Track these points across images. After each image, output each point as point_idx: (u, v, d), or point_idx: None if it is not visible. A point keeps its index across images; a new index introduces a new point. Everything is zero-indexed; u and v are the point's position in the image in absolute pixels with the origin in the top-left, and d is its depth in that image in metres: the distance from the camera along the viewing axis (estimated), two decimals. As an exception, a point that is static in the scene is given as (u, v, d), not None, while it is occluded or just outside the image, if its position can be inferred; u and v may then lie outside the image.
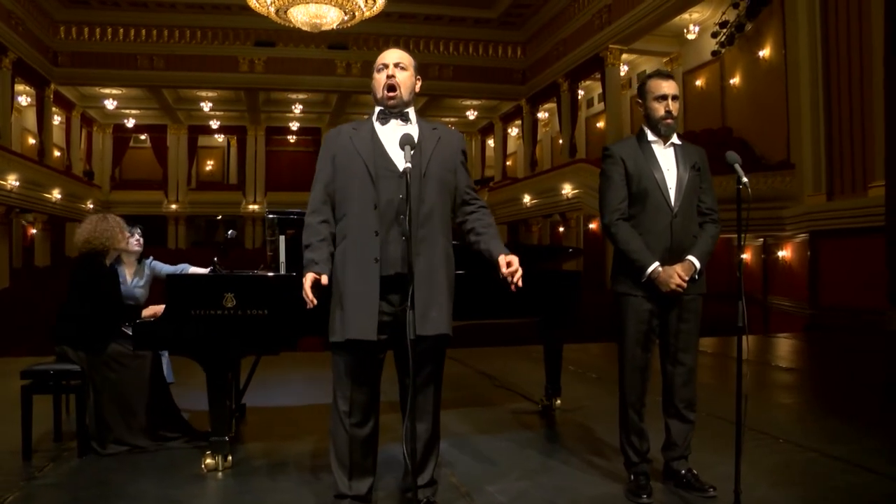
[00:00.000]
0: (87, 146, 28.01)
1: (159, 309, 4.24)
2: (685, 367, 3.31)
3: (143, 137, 29.82)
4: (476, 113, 29.42)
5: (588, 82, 23.08)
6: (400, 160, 2.76)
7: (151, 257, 4.98)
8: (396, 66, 2.87)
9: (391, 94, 2.85)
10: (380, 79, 2.88)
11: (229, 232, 4.59)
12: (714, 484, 3.24)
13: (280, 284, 3.69)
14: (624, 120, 22.10)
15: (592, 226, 23.45)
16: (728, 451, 3.73)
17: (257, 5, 14.92)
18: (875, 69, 11.62)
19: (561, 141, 24.97)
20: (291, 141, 31.64)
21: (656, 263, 3.17)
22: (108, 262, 4.32)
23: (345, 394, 2.84)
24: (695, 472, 3.33)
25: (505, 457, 3.97)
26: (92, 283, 4.12)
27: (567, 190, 21.07)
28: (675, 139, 3.32)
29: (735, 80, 17.00)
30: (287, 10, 15.28)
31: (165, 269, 4.84)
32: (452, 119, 30.93)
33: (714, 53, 17.05)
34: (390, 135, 2.86)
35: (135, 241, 4.73)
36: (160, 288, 4.92)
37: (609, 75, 20.22)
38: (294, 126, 30.53)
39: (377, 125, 2.90)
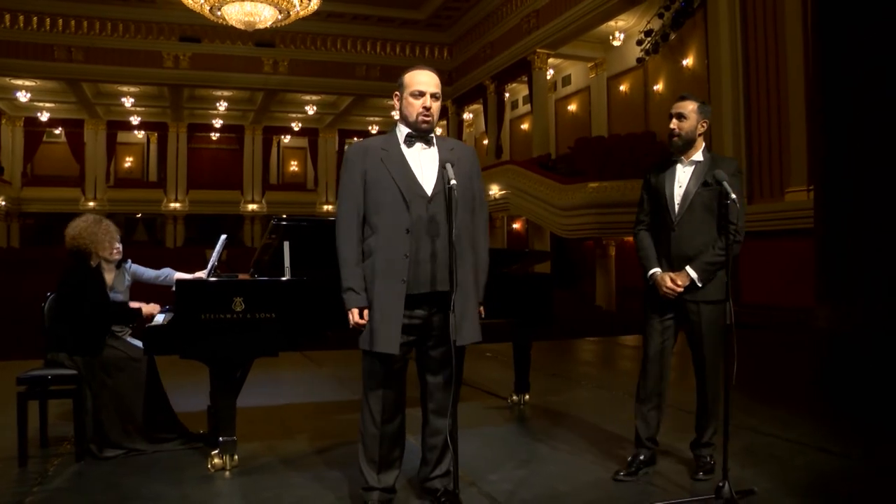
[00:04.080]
0: (-6, 140, 26.80)
1: (154, 308, 4.30)
2: (700, 364, 3.56)
3: (57, 132, 28.70)
4: (401, 113, 29.52)
5: (514, 85, 23.60)
6: (427, 183, 3.00)
7: (130, 260, 4.88)
8: (433, 97, 3.05)
9: (427, 121, 3.04)
10: (415, 104, 3.03)
11: (225, 236, 4.64)
12: (697, 470, 3.59)
13: (287, 288, 3.84)
14: (549, 122, 22.75)
15: (516, 226, 24.01)
16: (684, 436, 4.10)
17: (191, 2, 14.68)
18: (791, 80, 12.46)
19: (486, 142, 25.47)
20: (214, 138, 31.04)
21: (656, 269, 3.54)
22: (93, 265, 4.32)
23: (376, 393, 3.03)
24: (708, 458, 3.61)
25: (495, 449, 4.21)
26: (83, 285, 4.14)
27: (494, 191, 21.47)
28: (698, 156, 3.53)
29: (658, 87, 17.77)
30: (221, 7, 15.10)
31: (147, 273, 4.79)
32: (378, 119, 31.03)
33: (639, 60, 17.74)
34: (416, 158, 3.06)
35: (115, 251, 4.67)
36: (142, 291, 4.94)
37: (536, 78, 20.81)
38: (217, 123, 29.97)
39: (403, 148, 3.08)
